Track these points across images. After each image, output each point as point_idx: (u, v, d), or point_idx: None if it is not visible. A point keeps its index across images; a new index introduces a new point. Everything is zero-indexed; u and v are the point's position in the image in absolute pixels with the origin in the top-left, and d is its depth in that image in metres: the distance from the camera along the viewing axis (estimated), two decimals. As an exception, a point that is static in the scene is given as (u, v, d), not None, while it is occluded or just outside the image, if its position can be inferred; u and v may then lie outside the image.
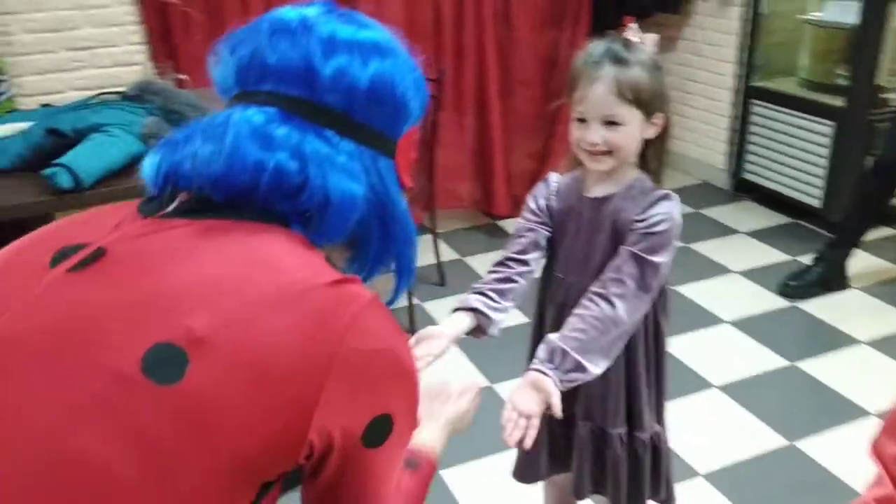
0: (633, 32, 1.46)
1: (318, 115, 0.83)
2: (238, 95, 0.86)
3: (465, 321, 1.45)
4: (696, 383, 2.77)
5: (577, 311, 1.42)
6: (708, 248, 3.78)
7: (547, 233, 1.56)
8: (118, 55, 3.21)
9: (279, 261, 0.79)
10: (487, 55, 3.76)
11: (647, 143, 1.48)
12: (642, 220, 1.43)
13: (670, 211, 1.45)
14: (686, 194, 4.39)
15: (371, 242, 0.90)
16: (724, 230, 3.99)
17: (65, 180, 2.09)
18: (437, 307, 3.35)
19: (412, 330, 3.10)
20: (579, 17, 3.91)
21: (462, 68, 3.79)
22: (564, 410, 1.62)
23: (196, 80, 3.31)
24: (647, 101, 1.41)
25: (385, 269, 0.95)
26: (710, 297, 3.35)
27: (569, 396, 1.59)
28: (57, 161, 2.13)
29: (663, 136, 1.49)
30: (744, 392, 2.72)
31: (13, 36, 3.06)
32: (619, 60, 1.39)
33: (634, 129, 1.42)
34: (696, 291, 3.39)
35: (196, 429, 0.70)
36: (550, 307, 1.59)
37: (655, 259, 1.42)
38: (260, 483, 0.75)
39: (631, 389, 1.56)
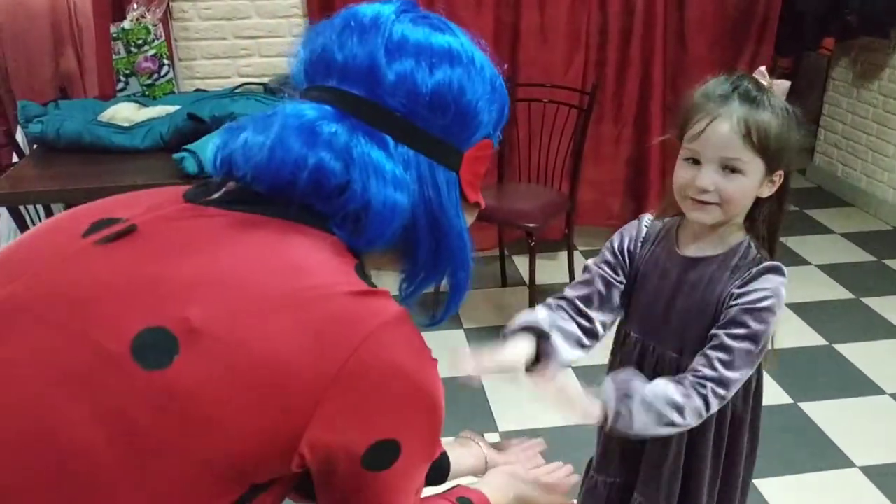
0: (760, 75, 1.26)
1: (377, 116, 0.79)
2: (305, 91, 0.84)
3: (527, 350, 1.26)
4: (836, 459, 2.44)
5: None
6: (883, 305, 3.33)
7: (620, 285, 1.38)
8: (282, 46, 3.32)
9: (303, 263, 0.76)
10: (654, 70, 3.55)
11: (759, 204, 1.27)
12: (742, 297, 1.24)
13: (776, 287, 1.24)
14: (869, 240, 3.94)
15: (420, 255, 0.86)
16: (908, 286, 3.52)
17: (190, 165, 2.17)
18: (564, 330, 3.20)
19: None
20: (763, 36, 3.59)
21: (625, 81, 3.62)
22: (621, 476, 1.46)
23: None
24: (773, 154, 1.20)
25: (436, 284, 0.91)
26: (874, 361, 2.94)
27: (630, 466, 1.44)
28: (187, 146, 2.21)
29: (781, 198, 1.28)
30: (892, 479, 2.36)
31: (190, 22, 3.25)
32: (750, 99, 1.20)
33: (752, 183, 1.22)
34: (858, 352, 3.00)
35: (177, 419, 0.69)
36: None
37: (756, 347, 1.23)
38: (248, 484, 0.73)
39: (690, 472, 1.38)
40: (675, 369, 1.33)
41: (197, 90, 2.82)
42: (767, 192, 1.25)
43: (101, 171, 2.35)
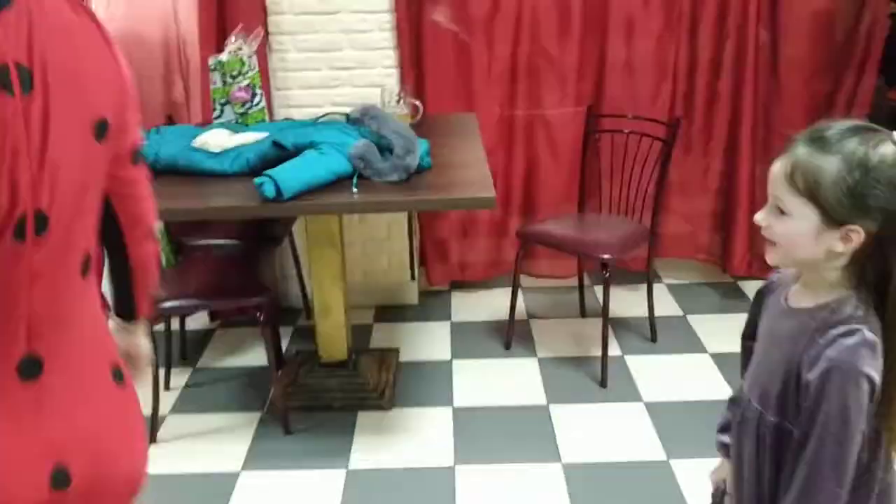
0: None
1: None
2: None
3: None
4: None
5: None
6: None
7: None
8: (372, 76, 3.45)
9: None
10: (744, 102, 3.47)
11: (863, 261, 1.18)
12: (809, 376, 1.18)
13: (847, 360, 1.14)
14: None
15: None
16: None
17: (268, 190, 2.29)
18: (642, 364, 3.14)
19: (604, 383, 2.94)
20: (864, 68, 3.43)
21: (713, 113, 3.56)
22: None
23: (435, 105, 3.46)
24: (829, 202, 1.14)
25: None
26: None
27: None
28: (267, 172, 2.34)
29: (878, 257, 1.17)
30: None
31: (287, 53, 3.43)
32: (815, 141, 1.17)
33: (803, 229, 1.18)
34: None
35: None
36: (745, 434, 1.35)
37: (841, 450, 1.16)
38: None
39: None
40: (755, 423, 1.30)
41: (285, 119, 2.96)
42: (841, 247, 1.17)
43: (192, 193, 2.51)
